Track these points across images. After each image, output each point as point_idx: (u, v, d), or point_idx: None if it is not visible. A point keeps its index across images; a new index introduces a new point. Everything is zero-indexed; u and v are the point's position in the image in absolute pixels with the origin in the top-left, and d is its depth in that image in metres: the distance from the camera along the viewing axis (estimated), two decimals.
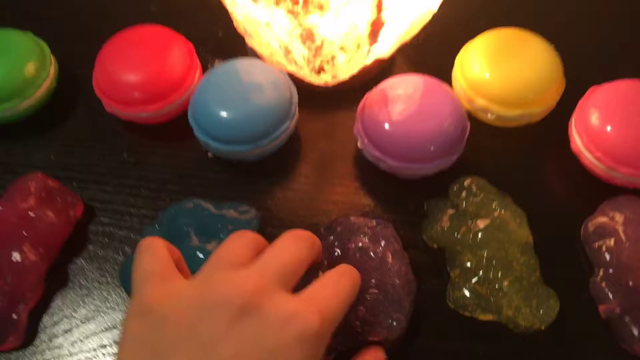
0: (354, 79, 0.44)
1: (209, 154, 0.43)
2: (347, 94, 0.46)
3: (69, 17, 0.53)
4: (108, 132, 0.45)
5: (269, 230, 0.41)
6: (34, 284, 0.38)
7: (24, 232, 0.38)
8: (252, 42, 0.42)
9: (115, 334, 0.37)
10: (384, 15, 0.36)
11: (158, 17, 0.51)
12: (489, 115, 0.43)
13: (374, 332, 0.34)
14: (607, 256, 0.37)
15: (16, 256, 0.37)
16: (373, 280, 0.35)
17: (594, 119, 0.40)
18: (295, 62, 0.39)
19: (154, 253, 0.31)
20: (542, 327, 0.35)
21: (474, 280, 0.36)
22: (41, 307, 0.38)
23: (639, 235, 0.37)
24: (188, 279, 0.30)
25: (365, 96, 0.42)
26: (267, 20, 0.37)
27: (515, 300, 0.35)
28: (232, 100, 0.40)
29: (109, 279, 0.39)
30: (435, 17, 0.43)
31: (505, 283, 0.35)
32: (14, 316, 0.37)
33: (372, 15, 0.35)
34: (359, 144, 0.42)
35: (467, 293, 0.36)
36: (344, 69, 0.40)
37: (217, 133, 0.40)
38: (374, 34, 0.37)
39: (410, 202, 0.41)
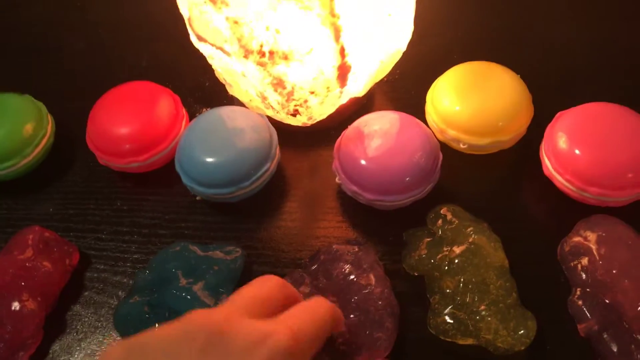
0: (332, 117, 0.46)
1: (198, 198, 0.46)
2: (328, 132, 0.48)
3: (64, 77, 0.57)
4: (102, 183, 0.48)
5: (255, 267, 0.42)
6: (33, 331, 0.40)
7: (22, 282, 0.40)
8: (232, 90, 0.44)
9: None
10: (349, 59, 0.38)
11: (149, 71, 0.55)
12: (461, 145, 0.44)
13: (358, 353, 0.35)
14: (583, 275, 0.38)
15: (15, 305, 0.39)
16: (354, 302, 0.37)
17: (562, 142, 0.41)
18: (272, 107, 0.42)
19: None
20: (522, 349, 0.36)
21: (452, 305, 0.37)
22: (40, 353, 0.40)
23: (612, 253, 0.38)
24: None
25: (342, 134, 0.44)
26: (242, 71, 0.40)
27: (493, 323, 0.36)
28: (214, 146, 0.43)
29: (104, 323, 0.41)
30: (411, 54, 0.46)
31: (483, 307, 0.36)
32: None
33: (337, 61, 0.37)
34: (337, 180, 0.43)
35: (446, 318, 0.37)
36: (318, 110, 0.42)
37: (200, 177, 0.42)
38: (342, 77, 0.39)
39: (390, 233, 0.43)
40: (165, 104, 0.47)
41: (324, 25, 0.35)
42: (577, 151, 0.41)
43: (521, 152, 0.45)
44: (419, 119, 0.44)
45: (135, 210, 0.46)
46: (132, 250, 0.44)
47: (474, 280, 0.37)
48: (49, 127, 0.49)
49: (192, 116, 0.49)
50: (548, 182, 0.42)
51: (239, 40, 0.36)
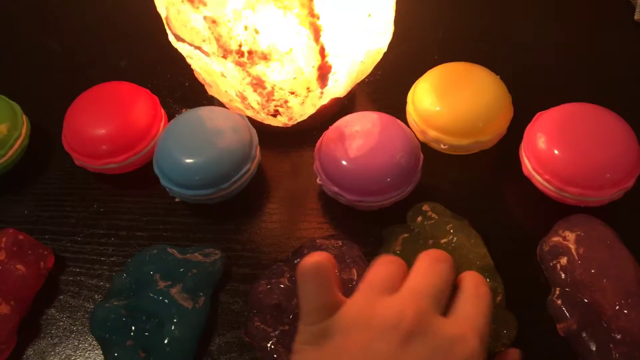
0: (313, 118, 0.46)
1: (177, 199, 0.45)
2: (309, 132, 0.48)
3: (40, 77, 0.55)
4: (78, 185, 0.47)
5: (235, 269, 0.42)
6: (6, 336, 0.39)
7: None
8: (211, 91, 0.44)
9: None
10: (329, 59, 0.38)
11: (128, 71, 0.54)
12: (442, 146, 0.44)
13: None
14: (562, 274, 0.38)
15: None
16: None
17: (541, 143, 0.42)
18: (252, 107, 0.41)
19: (319, 284, 0.32)
20: (502, 349, 0.36)
21: None
22: (14, 358, 0.39)
23: (590, 253, 0.38)
24: (346, 304, 0.31)
25: (323, 135, 0.44)
26: (221, 71, 0.39)
27: None
28: (192, 147, 0.42)
29: (79, 327, 0.40)
30: (393, 54, 0.45)
31: None
32: None
33: (317, 61, 0.37)
34: (318, 181, 0.43)
35: None
36: (299, 110, 0.42)
37: (179, 179, 0.42)
38: (322, 77, 0.39)
39: (371, 233, 0.42)
40: (142, 104, 0.46)
41: (303, 25, 0.34)
42: (555, 151, 0.41)
43: (501, 152, 0.45)
44: (400, 119, 0.44)
45: (112, 212, 0.45)
46: (109, 252, 0.44)
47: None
48: (24, 128, 0.48)
49: (171, 117, 0.49)
50: (528, 182, 0.43)
51: (217, 39, 0.35)
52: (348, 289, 0.37)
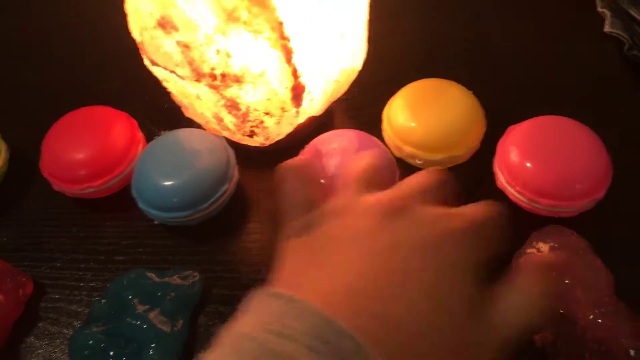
0: (291, 136, 0.47)
1: (156, 222, 0.45)
2: (288, 151, 0.48)
3: (19, 102, 0.56)
4: (57, 210, 0.47)
5: (215, 290, 0.42)
6: None
7: None
8: (188, 113, 0.44)
9: None
10: (302, 79, 0.39)
11: (107, 95, 0.54)
12: (417, 161, 0.45)
13: None
14: None
15: None
16: None
17: (513, 156, 0.42)
18: (228, 129, 0.42)
19: (300, 179, 0.32)
20: None
21: None
22: None
23: (564, 263, 0.39)
24: (330, 197, 0.31)
25: (300, 154, 0.44)
26: (197, 93, 0.40)
27: None
28: (170, 169, 0.42)
29: (59, 354, 0.40)
30: (369, 72, 0.46)
31: None
32: None
33: (290, 82, 0.38)
34: None
35: None
36: (275, 130, 0.43)
37: (156, 201, 0.42)
38: (296, 98, 0.40)
39: None
40: (120, 127, 0.46)
41: (274, 48, 0.35)
42: (527, 164, 0.42)
43: (475, 166, 0.46)
44: (377, 136, 0.45)
45: (91, 237, 0.45)
46: (88, 278, 0.43)
47: None
48: (2, 154, 0.48)
49: (150, 139, 0.49)
50: (502, 195, 0.43)
51: (190, 64, 0.36)
52: None
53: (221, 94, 0.37)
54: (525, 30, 0.56)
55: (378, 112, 0.48)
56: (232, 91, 0.37)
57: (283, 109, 0.40)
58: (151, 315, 0.38)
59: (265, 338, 0.22)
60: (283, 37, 0.35)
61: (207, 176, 0.42)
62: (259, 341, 0.22)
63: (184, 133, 0.45)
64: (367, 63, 0.47)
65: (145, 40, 0.37)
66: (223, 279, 0.42)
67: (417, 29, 0.57)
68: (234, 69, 0.36)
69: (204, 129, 0.46)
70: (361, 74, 0.48)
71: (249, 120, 0.40)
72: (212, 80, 0.36)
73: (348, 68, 0.44)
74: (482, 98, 0.46)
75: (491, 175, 0.44)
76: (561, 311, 0.37)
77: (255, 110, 0.39)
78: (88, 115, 0.47)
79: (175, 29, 0.34)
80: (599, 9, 0.56)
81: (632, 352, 0.35)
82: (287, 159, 0.47)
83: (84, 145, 0.45)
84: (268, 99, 0.38)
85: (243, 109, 0.39)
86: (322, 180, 0.41)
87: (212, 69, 0.36)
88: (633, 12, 0.54)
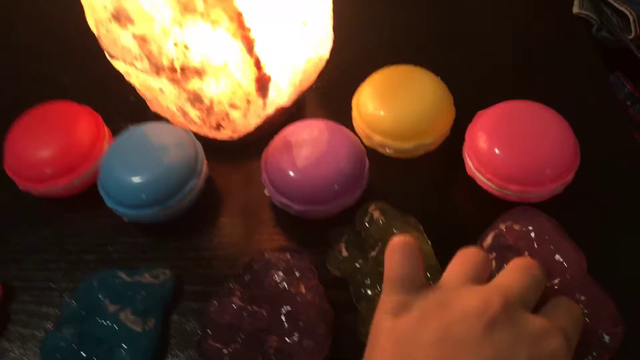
0: (261, 128, 0.46)
1: (125, 219, 0.44)
2: (259, 143, 0.47)
3: None
4: (24, 210, 0.46)
5: (187, 287, 0.41)
6: None
7: None
8: (153, 107, 0.43)
9: None
10: (266, 70, 0.38)
11: (71, 90, 0.53)
12: (387, 150, 0.45)
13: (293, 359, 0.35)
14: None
15: None
16: (286, 311, 0.37)
17: (481, 142, 0.42)
18: (194, 122, 0.41)
19: (407, 256, 0.32)
20: None
21: None
22: None
23: (530, 248, 0.39)
24: (431, 286, 0.32)
25: (268, 145, 0.44)
26: (159, 87, 0.39)
27: None
28: (135, 164, 0.42)
29: (31, 357, 0.40)
30: (338, 60, 0.46)
31: None
32: None
33: (253, 73, 0.37)
34: (266, 192, 0.43)
35: None
36: (243, 122, 0.42)
37: (123, 198, 0.41)
38: (261, 88, 0.39)
39: (323, 242, 0.42)
40: (84, 123, 0.45)
41: (234, 39, 0.34)
42: (496, 150, 0.42)
43: (445, 154, 0.46)
44: (347, 125, 0.44)
45: (60, 237, 0.45)
46: (58, 278, 0.43)
47: None
48: None
49: (116, 134, 0.48)
50: (472, 182, 0.43)
51: (149, 57, 0.35)
52: (296, 302, 0.37)
53: (183, 88, 0.37)
54: (493, 13, 0.56)
55: (349, 101, 0.48)
56: (194, 84, 0.36)
57: (248, 101, 0.39)
58: (122, 315, 0.38)
59: None
60: (243, 28, 0.34)
61: (175, 171, 0.42)
62: None
63: (150, 127, 0.44)
64: (336, 52, 0.47)
65: (101, 34, 0.36)
66: (196, 275, 0.42)
67: (384, 17, 0.57)
68: (193, 61, 0.35)
69: (171, 123, 0.45)
70: (330, 62, 0.47)
71: (214, 113, 0.39)
72: (172, 74, 0.35)
73: (314, 57, 0.44)
74: (450, 83, 0.46)
75: (461, 163, 0.44)
76: None
77: (220, 102, 0.38)
78: (50, 111, 0.46)
79: (131, 21, 0.33)
80: None
81: (606, 338, 0.36)
82: (257, 151, 0.47)
83: (47, 143, 0.44)
84: (232, 91, 0.38)
85: (207, 102, 0.38)
86: (292, 173, 0.41)
87: (171, 61, 0.35)
88: None
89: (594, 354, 0.35)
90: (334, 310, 0.38)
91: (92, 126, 0.45)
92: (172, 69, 0.35)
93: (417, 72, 0.46)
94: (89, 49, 0.52)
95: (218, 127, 0.41)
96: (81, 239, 0.44)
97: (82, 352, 0.38)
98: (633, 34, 0.52)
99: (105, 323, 0.38)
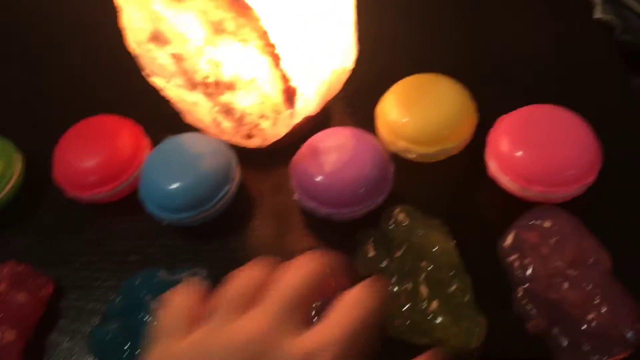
0: (290, 136, 0.48)
1: (164, 222, 0.47)
2: (288, 150, 0.50)
3: (30, 112, 0.59)
4: (72, 215, 0.50)
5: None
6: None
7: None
8: (188, 118, 0.46)
9: None
10: (293, 82, 0.40)
11: (113, 104, 0.57)
12: (411, 155, 0.47)
13: None
14: (527, 270, 0.40)
15: None
16: (315, 308, 0.39)
17: (504, 145, 0.44)
18: (227, 132, 0.44)
19: (170, 310, 0.30)
20: (474, 346, 0.38)
21: (407, 308, 0.39)
22: None
23: (554, 246, 0.40)
24: (201, 328, 0.28)
25: (297, 152, 0.46)
26: (194, 100, 0.42)
27: (446, 322, 0.38)
28: (174, 172, 0.45)
29: (79, 349, 0.43)
30: (363, 70, 0.48)
31: (436, 306, 0.38)
32: None
33: (280, 85, 0.39)
34: (295, 196, 0.45)
35: (401, 321, 0.39)
36: (272, 131, 0.45)
37: (163, 203, 0.44)
38: (289, 100, 0.41)
39: (349, 242, 0.44)
40: (127, 134, 0.49)
41: (262, 55, 0.37)
42: (519, 153, 0.43)
43: (467, 157, 0.47)
44: (372, 132, 0.46)
45: (105, 239, 0.48)
46: (103, 277, 0.46)
47: (426, 280, 0.39)
48: (18, 165, 0.51)
49: (155, 144, 0.51)
50: (493, 184, 0.45)
51: (184, 74, 0.38)
52: (325, 300, 0.39)
53: (215, 101, 0.39)
54: (514, 20, 0.57)
55: (372, 108, 0.50)
56: (226, 97, 0.39)
57: (277, 112, 0.42)
58: None
59: None
60: (269, 45, 0.36)
61: (210, 178, 0.44)
62: None
63: (186, 137, 0.47)
64: (360, 62, 0.49)
65: (141, 53, 0.39)
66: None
67: (405, 26, 0.58)
68: (225, 76, 0.38)
69: (205, 133, 0.48)
70: (355, 72, 0.49)
71: (245, 124, 0.42)
72: (206, 88, 0.38)
73: (339, 68, 0.46)
74: (473, 89, 0.47)
75: (483, 166, 0.45)
76: (552, 296, 0.38)
77: (250, 114, 0.41)
78: (96, 124, 0.49)
79: (168, 42, 0.36)
80: None
81: (629, 335, 0.36)
82: (286, 157, 0.50)
83: (93, 153, 0.47)
84: (261, 103, 0.40)
85: (238, 113, 0.41)
86: (320, 178, 0.43)
87: (205, 77, 0.38)
88: None
89: (615, 350, 0.36)
90: None
91: (133, 137, 0.49)
92: (206, 84, 0.38)
93: (441, 80, 0.48)
94: (128, 67, 0.56)
95: (249, 136, 0.44)
96: (124, 242, 0.48)
97: (125, 345, 0.41)
98: None
99: (147, 318, 0.41)
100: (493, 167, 0.44)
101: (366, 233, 0.44)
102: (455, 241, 0.42)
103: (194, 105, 0.42)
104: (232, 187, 0.46)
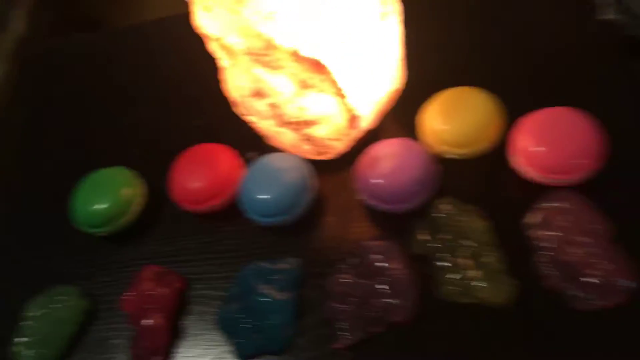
0: (354, 145, 0.61)
1: (262, 225, 0.60)
2: (350, 155, 0.61)
3: (141, 147, 0.72)
4: (188, 225, 0.64)
5: (311, 270, 0.57)
6: (163, 338, 0.56)
7: (149, 305, 0.57)
8: (271, 142, 0.59)
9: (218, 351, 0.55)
10: (356, 111, 0.53)
11: (204, 130, 0.70)
12: (451, 156, 0.58)
13: (390, 315, 0.50)
14: (547, 241, 0.51)
15: (149, 323, 0.56)
16: (385, 282, 0.51)
17: (523, 142, 0.55)
18: (305, 152, 0.57)
19: None
20: (508, 303, 0.50)
21: (454, 276, 0.51)
22: (171, 353, 0.56)
23: (567, 221, 0.51)
24: None
25: (359, 161, 0.59)
26: (279, 130, 0.55)
27: (485, 285, 0.50)
28: (266, 185, 0.58)
29: (210, 326, 0.57)
30: (408, 86, 0.59)
31: (477, 273, 0.51)
32: None
33: (347, 116, 0.52)
34: (359, 196, 0.58)
35: (449, 287, 0.51)
36: (340, 148, 0.57)
37: (259, 210, 0.58)
38: (353, 125, 0.54)
39: (406, 230, 0.57)
40: (225, 157, 0.62)
41: (334, 97, 0.49)
42: (536, 147, 0.53)
43: (495, 153, 0.57)
44: (414, 138, 0.58)
45: (217, 241, 0.62)
46: (219, 271, 0.60)
47: (467, 254, 0.52)
48: (141, 188, 0.65)
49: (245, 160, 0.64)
50: (517, 174, 0.55)
51: (277, 117, 0.51)
52: (392, 275, 0.52)
53: (299, 133, 0.52)
54: (533, 33, 0.66)
55: (412, 118, 0.61)
56: (307, 130, 0.52)
57: (345, 134, 0.54)
58: (270, 291, 0.55)
59: None
60: (338, 89, 0.49)
61: (294, 188, 0.57)
62: None
63: (273, 157, 0.60)
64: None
65: (242, 102, 0.52)
66: (315, 261, 0.58)
67: (441, 43, 0.68)
68: (308, 116, 0.50)
69: (285, 152, 0.61)
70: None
71: (320, 146, 0.55)
72: (292, 126, 0.51)
73: (391, 90, 0.58)
74: (503, 96, 0.58)
75: (506, 159, 0.56)
76: (566, 258, 0.50)
77: (324, 139, 0.54)
78: (202, 150, 0.63)
79: (267, 95, 0.49)
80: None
81: (627, 284, 0.48)
82: (349, 163, 0.61)
83: (201, 175, 0.61)
84: (333, 131, 0.53)
85: (315, 139, 0.54)
86: (378, 180, 0.56)
87: (293, 118, 0.50)
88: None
89: (614, 297, 0.48)
90: (419, 278, 0.53)
91: (231, 159, 0.62)
92: (293, 123, 0.51)
93: (472, 92, 0.58)
94: (214, 103, 0.68)
95: (322, 153, 0.56)
96: (232, 242, 0.61)
97: (246, 319, 0.55)
98: None
99: (260, 299, 0.54)
100: (516, 160, 0.56)
101: (418, 222, 0.56)
102: (488, 222, 0.54)
103: (279, 133, 0.55)
104: (312, 194, 0.59)
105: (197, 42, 0.54)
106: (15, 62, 1.08)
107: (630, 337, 0.47)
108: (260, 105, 0.51)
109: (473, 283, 0.50)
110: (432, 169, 0.57)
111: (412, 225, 0.56)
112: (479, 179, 0.59)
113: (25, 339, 0.58)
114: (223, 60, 0.52)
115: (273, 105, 0.50)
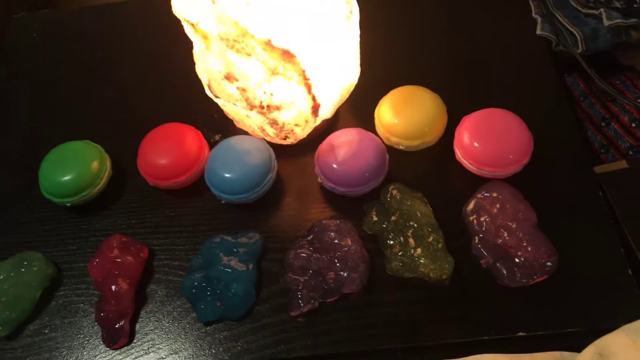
0: (310, 134, 0.66)
1: (223, 202, 0.65)
2: (311, 144, 0.67)
3: (110, 123, 0.75)
4: (153, 199, 0.67)
5: (270, 244, 0.62)
6: (128, 304, 0.59)
7: (115, 272, 0.60)
8: (239, 125, 0.63)
9: (180, 316, 0.59)
10: (318, 100, 0.58)
11: (172, 111, 0.73)
12: (400, 147, 0.64)
13: (341, 287, 0.56)
14: (481, 226, 0.58)
15: (114, 288, 0.59)
16: (338, 257, 0.57)
17: (466, 138, 0.62)
18: (269, 135, 0.61)
19: None
20: (445, 277, 0.56)
21: (400, 254, 0.57)
22: (135, 318, 0.60)
23: (499, 209, 0.58)
24: None
25: (319, 147, 0.64)
26: (247, 114, 0.59)
27: (426, 262, 0.56)
28: (232, 165, 0.62)
29: (173, 293, 0.61)
30: (362, 80, 0.64)
31: (419, 252, 0.57)
32: (121, 325, 0.58)
33: (310, 103, 0.57)
34: (319, 180, 0.63)
35: (395, 263, 0.57)
36: (301, 134, 0.62)
37: (224, 188, 0.62)
38: (315, 112, 0.59)
39: (358, 212, 0.62)
40: (191, 137, 0.66)
41: (300, 85, 0.54)
42: (475, 143, 0.61)
43: (441, 147, 0.65)
44: (370, 129, 0.64)
45: (180, 215, 0.65)
46: (182, 243, 0.64)
47: (413, 235, 0.58)
48: (108, 162, 0.68)
49: (211, 144, 0.68)
50: (459, 165, 0.63)
51: (246, 100, 0.55)
52: (344, 251, 0.57)
53: (266, 116, 0.57)
54: (484, 41, 0.74)
55: (371, 111, 0.67)
56: (274, 114, 0.56)
57: (307, 121, 0.59)
58: (232, 263, 0.59)
59: None
60: (305, 78, 0.54)
61: (258, 168, 0.62)
62: None
63: (237, 138, 0.64)
64: (361, 76, 0.66)
65: (212, 85, 0.56)
66: (274, 237, 0.62)
67: (395, 47, 0.75)
68: (275, 101, 0.55)
69: (250, 135, 0.65)
70: (357, 84, 0.66)
71: (284, 130, 0.59)
72: (261, 109, 0.55)
73: (348, 85, 0.63)
74: (444, 96, 0.65)
75: (452, 153, 0.63)
76: (498, 242, 0.57)
77: (289, 124, 0.58)
78: (169, 130, 0.66)
79: (236, 79, 0.53)
80: (533, 15, 0.74)
81: (548, 264, 0.55)
82: (309, 150, 0.67)
83: (170, 152, 0.64)
84: (297, 116, 0.58)
85: (280, 124, 0.58)
86: (336, 165, 0.61)
87: (261, 102, 0.55)
88: (558, 16, 0.72)
89: (536, 275, 0.55)
90: (369, 255, 0.59)
91: (197, 139, 0.66)
92: (261, 107, 0.55)
93: (421, 90, 0.65)
94: (180, 84, 0.72)
95: (285, 138, 0.61)
96: (195, 216, 0.65)
97: (208, 288, 0.59)
98: (580, 49, 0.69)
99: (222, 269, 0.59)
100: (458, 153, 0.62)
101: (370, 204, 0.62)
102: (432, 208, 0.60)
103: (246, 117, 0.59)
104: (273, 174, 0.64)
105: (171, 22, 0.58)
106: None
107: (551, 308, 0.55)
108: (231, 88, 0.55)
109: (416, 260, 0.56)
110: (384, 157, 0.62)
111: (365, 207, 0.62)
112: (426, 169, 0.65)
113: None
114: (196, 43, 0.56)
115: (242, 89, 0.54)
